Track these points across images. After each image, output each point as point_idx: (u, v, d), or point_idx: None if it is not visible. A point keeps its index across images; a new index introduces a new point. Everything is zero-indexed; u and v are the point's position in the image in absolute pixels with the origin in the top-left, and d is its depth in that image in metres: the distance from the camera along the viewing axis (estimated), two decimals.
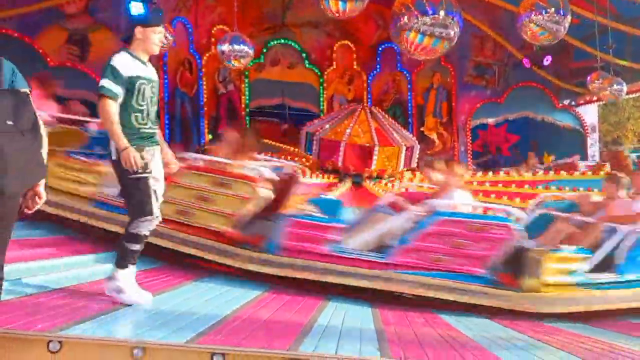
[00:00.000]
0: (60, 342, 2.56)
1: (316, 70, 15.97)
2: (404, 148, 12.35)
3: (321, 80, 16.04)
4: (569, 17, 8.64)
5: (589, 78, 12.51)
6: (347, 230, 5.39)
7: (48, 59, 11.65)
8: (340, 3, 7.94)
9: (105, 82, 3.37)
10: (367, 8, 8.48)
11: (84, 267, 4.60)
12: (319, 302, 4.58)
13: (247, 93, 15.19)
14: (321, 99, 16.03)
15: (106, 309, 3.28)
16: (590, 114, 17.04)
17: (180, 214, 5.19)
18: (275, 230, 5.18)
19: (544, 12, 8.59)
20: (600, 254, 5.25)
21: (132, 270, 3.59)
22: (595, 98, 14.81)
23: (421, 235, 5.02)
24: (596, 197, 6.63)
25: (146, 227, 3.54)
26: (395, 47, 14.21)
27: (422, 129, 16.44)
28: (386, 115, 13.66)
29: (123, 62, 3.45)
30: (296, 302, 4.49)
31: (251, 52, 11.05)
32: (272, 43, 15.42)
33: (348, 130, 12.09)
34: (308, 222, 5.20)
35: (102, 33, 12.44)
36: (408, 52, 9.08)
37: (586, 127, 16.39)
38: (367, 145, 12.03)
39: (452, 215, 5.07)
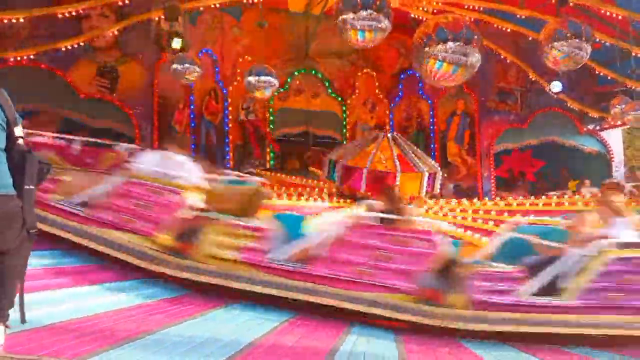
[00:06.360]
0: None
1: (339, 99, 16.17)
2: (426, 174, 12.34)
3: (344, 108, 16.24)
4: (590, 42, 8.64)
5: (610, 103, 12.47)
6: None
7: (78, 91, 12.05)
8: (358, 33, 8.06)
9: None
10: (389, 37, 8.57)
11: (110, 295, 4.67)
12: (343, 329, 4.60)
13: (271, 122, 15.44)
14: (344, 126, 16.24)
15: (134, 336, 3.34)
16: (615, 138, 16.88)
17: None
18: None
19: (565, 38, 8.61)
20: (544, 276, 4.91)
21: None
22: (619, 122, 14.67)
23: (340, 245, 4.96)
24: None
25: None
26: (417, 75, 14.32)
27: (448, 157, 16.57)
28: (408, 142, 13.69)
29: None
30: (321, 329, 4.51)
31: (276, 82, 11.22)
32: (296, 73, 15.70)
33: (370, 157, 12.12)
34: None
35: (130, 65, 12.84)
36: (429, 79, 9.14)
37: (611, 152, 16.22)
38: (390, 171, 12.05)
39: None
